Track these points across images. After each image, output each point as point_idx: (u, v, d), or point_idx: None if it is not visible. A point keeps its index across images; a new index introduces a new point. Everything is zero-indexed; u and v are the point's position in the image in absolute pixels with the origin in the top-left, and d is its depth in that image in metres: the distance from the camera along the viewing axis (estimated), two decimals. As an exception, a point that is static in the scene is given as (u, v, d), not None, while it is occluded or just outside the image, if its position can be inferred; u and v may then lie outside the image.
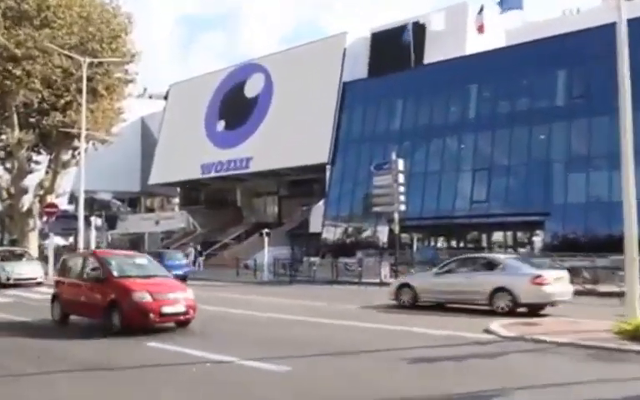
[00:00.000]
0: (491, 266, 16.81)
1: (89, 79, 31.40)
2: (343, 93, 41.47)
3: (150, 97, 71.19)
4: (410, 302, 17.52)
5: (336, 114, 41.21)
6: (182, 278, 24.07)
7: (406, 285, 18.04)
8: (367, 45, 43.46)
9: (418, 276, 19.57)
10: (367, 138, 39.18)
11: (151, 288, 12.92)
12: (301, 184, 47.55)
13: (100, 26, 32.40)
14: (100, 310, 13.09)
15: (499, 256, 18.67)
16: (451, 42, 38.54)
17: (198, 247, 43.43)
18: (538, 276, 15.87)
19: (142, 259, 15.05)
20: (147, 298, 12.70)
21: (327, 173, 41.03)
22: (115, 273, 13.47)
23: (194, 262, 38.94)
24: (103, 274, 13.54)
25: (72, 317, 14.46)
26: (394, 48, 40.56)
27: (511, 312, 15.50)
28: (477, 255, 20.73)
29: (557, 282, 16.16)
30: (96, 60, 31.22)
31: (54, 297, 14.95)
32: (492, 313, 15.45)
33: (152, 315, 12.62)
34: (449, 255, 25.84)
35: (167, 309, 12.85)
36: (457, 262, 17.84)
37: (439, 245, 35.58)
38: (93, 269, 13.93)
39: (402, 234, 31.35)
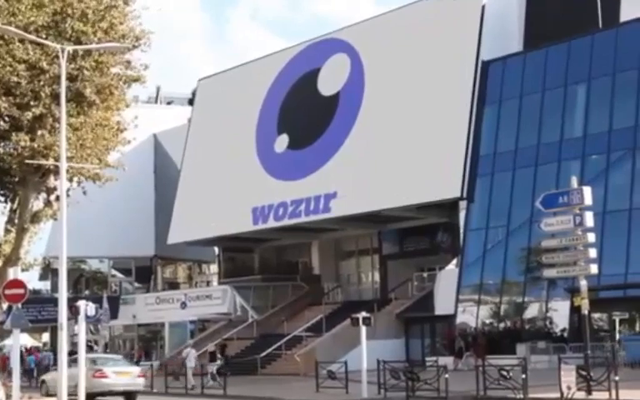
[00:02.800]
0: None
1: (71, 78, 32.07)
2: (483, 80, 41.23)
3: (169, 103, 73.15)
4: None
5: (471, 116, 40.95)
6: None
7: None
8: (521, -2, 43.26)
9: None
10: (527, 153, 38.86)
11: None
12: (417, 235, 47.42)
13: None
14: None
15: None
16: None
17: (212, 347, 43.30)
18: None
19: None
20: None
21: (462, 215, 40.91)
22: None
23: (208, 372, 38.90)
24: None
25: None
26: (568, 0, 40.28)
27: None
28: None
29: None
30: (81, 47, 31.78)
31: None
32: None
33: None
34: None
35: None
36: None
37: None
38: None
39: (595, 314, 30.57)
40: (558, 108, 38.85)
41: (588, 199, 25.80)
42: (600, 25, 39.25)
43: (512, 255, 38.19)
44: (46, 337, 65.60)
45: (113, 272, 63.57)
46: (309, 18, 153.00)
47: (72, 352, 31.22)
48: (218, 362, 40.11)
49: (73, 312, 29.85)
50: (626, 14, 39.09)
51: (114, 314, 54.46)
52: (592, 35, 38.79)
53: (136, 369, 33.41)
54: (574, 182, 26.49)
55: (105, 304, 39.46)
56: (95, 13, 32.88)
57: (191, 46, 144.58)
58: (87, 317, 29.89)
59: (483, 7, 42.02)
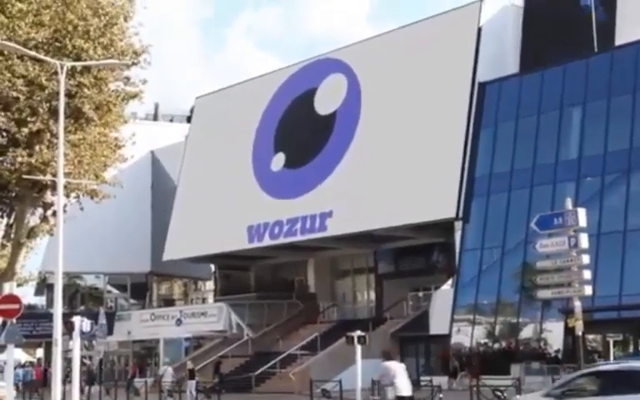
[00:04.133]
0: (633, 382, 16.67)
1: (70, 95, 32.03)
2: (480, 101, 41.38)
3: (171, 121, 73.24)
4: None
5: (467, 137, 41.03)
6: None
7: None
8: (517, 19, 43.46)
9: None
10: (523, 174, 38.93)
11: None
12: (413, 255, 47.42)
13: (84, 11, 33.11)
14: None
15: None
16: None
17: (190, 365, 42.95)
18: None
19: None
20: None
21: (457, 236, 40.91)
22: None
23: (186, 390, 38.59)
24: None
25: None
26: (564, 22, 40.38)
27: None
28: (612, 366, 20.59)
29: None
30: (79, 63, 31.76)
31: None
32: None
33: None
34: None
35: None
36: (583, 378, 18.03)
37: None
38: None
39: (589, 335, 30.53)
40: (554, 131, 38.82)
41: (583, 221, 25.77)
42: (595, 48, 39.25)
43: (507, 275, 38.09)
44: (40, 352, 65.32)
45: (109, 287, 63.44)
46: (305, 38, 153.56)
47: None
48: (197, 379, 39.87)
49: (68, 327, 29.80)
50: (621, 38, 39.18)
51: (109, 330, 54.38)
52: (587, 58, 38.80)
53: None
54: (569, 203, 26.47)
55: (102, 319, 39.44)
56: (96, 30, 32.96)
57: (188, 64, 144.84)
58: (82, 333, 29.87)
59: (480, 29, 42.04)
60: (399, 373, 21.87)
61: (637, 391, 16.49)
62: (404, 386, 21.77)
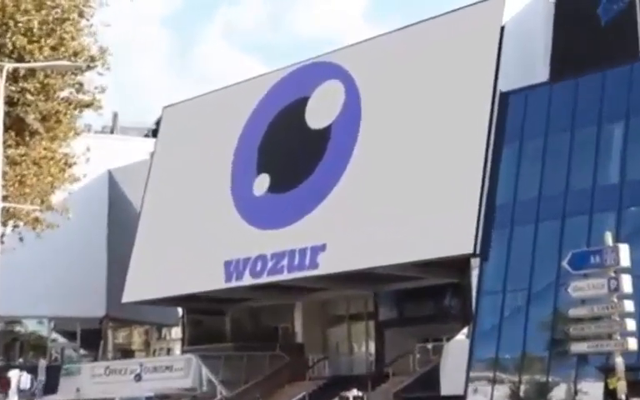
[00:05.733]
0: None
1: (11, 102, 32.09)
2: (502, 114, 41.31)
3: (147, 136, 73.07)
4: None
5: (487, 157, 40.97)
6: None
7: None
8: (547, 17, 43.49)
9: None
10: (553, 202, 38.82)
11: None
12: (421, 298, 47.56)
13: (27, 3, 33.08)
14: None
15: None
16: None
17: None
18: None
19: None
20: None
21: (474, 275, 40.90)
22: None
23: None
24: None
25: None
26: (602, 23, 40.61)
27: None
28: None
29: None
30: (23, 65, 31.79)
31: None
32: None
33: None
34: None
35: None
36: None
37: None
38: None
39: (634, 399, 30.29)
40: (590, 150, 38.78)
41: (626, 259, 25.67)
42: (641, 52, 39.41)
43: (533, 325, 37.81)
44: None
45: (54, 335, 63.29)
46: (292, 40, 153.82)
47: None
48: None
49: (3, 384, 29.56)
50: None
51: (53, 387, 54.15)
52: (630, 65, 38.73)
53: None
54: (609, 238, 26.38)
55: (42, 375, 39.12)
56: (42, 28, 32.86)
57: (154, 68, 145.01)
58: (19, 390, 29.66)
59: (502, 28, 42.07)
60: None
61: None
62: None
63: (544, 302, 37.19)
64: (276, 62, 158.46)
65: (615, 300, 25.40)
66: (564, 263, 27.97)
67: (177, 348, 61.95)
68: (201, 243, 50.54)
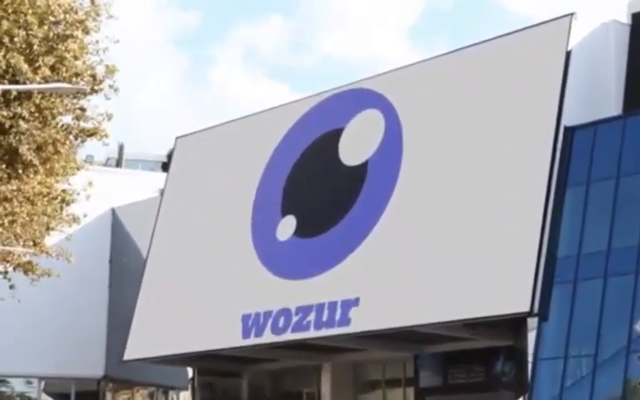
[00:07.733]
0: None
1: (2, 130, 32.21)
2: (566, 152, 41.11)
3: (155, 170, 73.34)
4: None
5: (548, 201, 40.57)
6: None
7: None
8: (621, 41, 43.37)
9: None
10: (625, 255, 38.51)
11: None
12: (468, 363, 47.29)
13: (28, 16, 33.17)
14: None
15: None
16: None
17: None
18: None
19: None
20: None
21: (531, 338, 40.69)
22: None
23: None
24: None
25: None
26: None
27: None
28: None
29: None
30: (16, 87, 31.91)
31: None
32: None
33: None
34: None
35: None
36: None
37: None
38: None
39: None
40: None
41: None
42: None
43: (600, 396, 37.47)
44: None
45: (45, 397, 63.21)
46: (321, 63, 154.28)
47: None
48: None
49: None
50: None
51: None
52: None
53: None
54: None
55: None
56: (41, 44, 32.93)
57: (164, 93, 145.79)
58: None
59: (569, 54, 41.78)
60: None
61: None
62: None
63: (613, 371, 36.86)
64: (303, 88, 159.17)
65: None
66: (637, 326, 27.96)
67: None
68: (215, 294, 50.57)
